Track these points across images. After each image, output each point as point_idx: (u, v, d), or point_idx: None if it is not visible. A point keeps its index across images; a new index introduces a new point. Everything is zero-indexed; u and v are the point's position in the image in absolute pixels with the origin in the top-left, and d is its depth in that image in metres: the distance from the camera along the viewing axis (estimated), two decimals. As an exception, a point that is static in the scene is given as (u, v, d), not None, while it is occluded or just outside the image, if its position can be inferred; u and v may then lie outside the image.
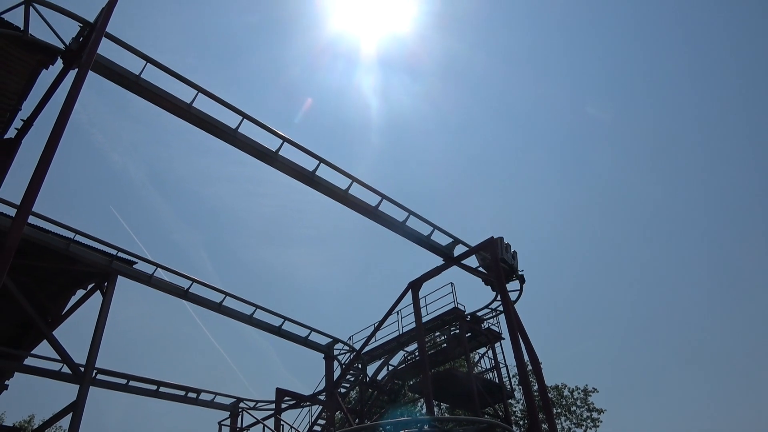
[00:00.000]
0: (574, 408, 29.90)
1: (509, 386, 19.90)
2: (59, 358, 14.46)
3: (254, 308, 19.41)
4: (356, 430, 12.32)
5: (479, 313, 20.03)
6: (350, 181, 15.07)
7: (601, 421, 29.06)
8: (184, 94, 12.41)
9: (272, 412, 20.12)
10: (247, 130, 13.32)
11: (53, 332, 15.80)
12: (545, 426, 20.89)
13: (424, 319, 18.59)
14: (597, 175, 69.84)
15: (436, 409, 19.71)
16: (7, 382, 17.42)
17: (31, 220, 13.74)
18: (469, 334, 19.47)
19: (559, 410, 29.75)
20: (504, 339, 19.91)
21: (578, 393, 30.31)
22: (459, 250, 17.62)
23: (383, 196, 15.76)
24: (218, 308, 18.78)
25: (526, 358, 15.32)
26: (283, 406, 20.57)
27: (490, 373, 19.77)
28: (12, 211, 13.21)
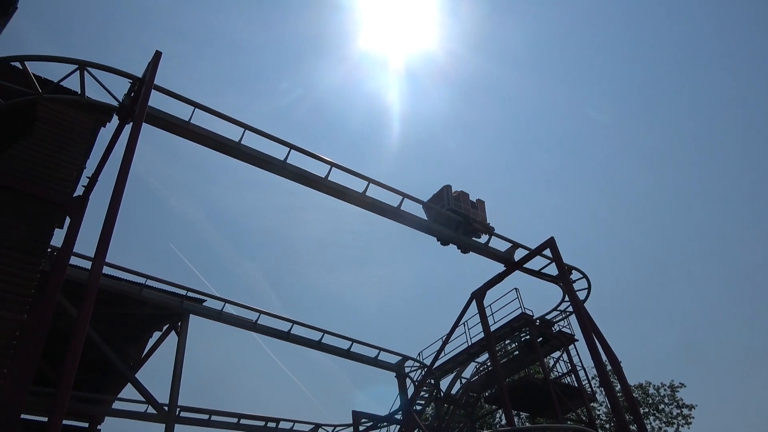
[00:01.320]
0: (662, 406, 28.40)
1: (590, 389, 19.16)
2: (144, 399, 15.05)
3: (322, 333, 19.62)
4: None
5: (548, 317, 19.47)
6: (401, 197, 15.10)
7: (693, 417, 27.44)
8: (232, 132, 12.86)
9: (351, 435, 20.14)
10: (295, 159, 13.61)
11: (136, 375, 16.53)
12: (634, 427, 19.91)
13: (492, 328, 18.23)
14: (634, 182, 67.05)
15: (515, 419, 19.21)
16: (99, 427, 18.27)
17: (105, 269, 14.48)
18: (541, 338, 18.92)
19: (646, 409, 28.32)
20: (578, 340, 19.25)
21: (665, 390, 28.79)
22: (519, 254, 17.25)
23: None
24: (287, 337, 19.10)
25: (603, 358, 14.71)
26: (361, 428, 20.56)
27: (568, 377, 19.10)
28: (87, 264, 13.99)
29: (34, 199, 8.90)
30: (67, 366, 7.17)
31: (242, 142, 12.82)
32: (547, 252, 16.53)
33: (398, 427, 20.92)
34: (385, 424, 21.28)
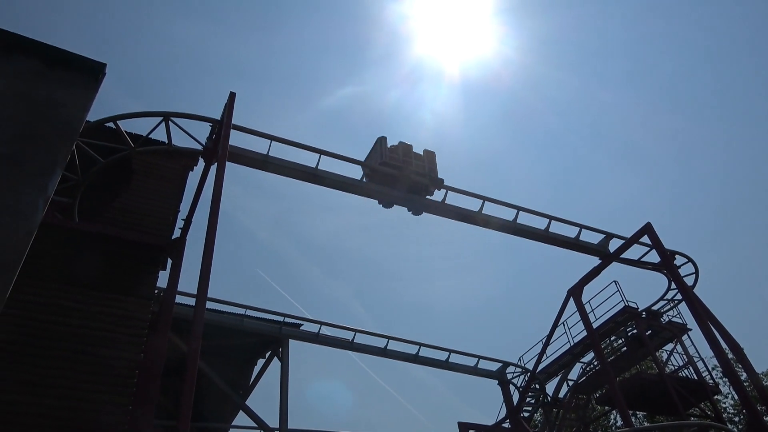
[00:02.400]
0: (799, 393, 25.72)
1: (711, 381, 17.74)
2: (256, 425, 15.64)
3: (418, 346, 19.54)
4: None
5: (655, 307, 18.29)
6: (481, 201, 14.84)
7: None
8: (308, 159, 13.22)
9: (459, 447, 19.81)
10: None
11: (246, 401, 17.23)
12: (768, 419, 18.15)
13: (594, 325, 17.38)
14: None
15: (633, 419, 18.10)
16: (218, 454, 19.16)
17: (207, 304, 15.28)
18: (650, 331, 17.81)
19: (781, 398, 25.75)
20: (691, 330, 17.92)
21: (800, 374, 26.10)
22: (613, 245, 16.38)
23: (519, 208, 15.25)
24: (383, 353, 19.19)
25: (723, 345, 13.57)
26: (469, 439, 20.18)
27: (685, 370, 17.81)
28: (190, 300, 14.83)
29: (138, 245, 9.55)
30: (184, 398, 7.57)
31: (319, 167, 13.15)
32: (645, 239, 15.59)
33: (507, 435, 20.35)
34: (493, 433, 20.78)
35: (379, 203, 14.10)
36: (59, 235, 8.94)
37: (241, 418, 19.78)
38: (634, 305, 17.87)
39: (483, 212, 14.88)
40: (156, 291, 13.02)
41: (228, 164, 12.20)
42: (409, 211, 14.32)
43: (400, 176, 13.57)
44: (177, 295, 11.24)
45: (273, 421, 15.92)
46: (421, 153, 14.48)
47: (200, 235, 9.68)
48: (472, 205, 14.90)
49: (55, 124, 7.41)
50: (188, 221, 12.16)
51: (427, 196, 14.13)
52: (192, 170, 12.23)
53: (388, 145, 14.07)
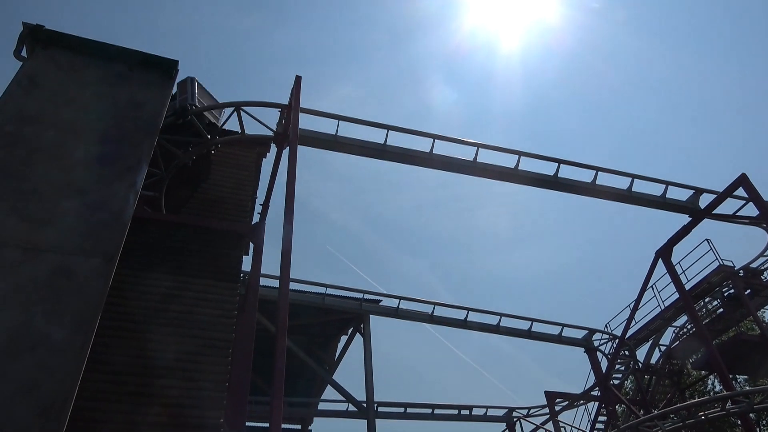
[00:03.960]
0: None
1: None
2: (344, 398, 16.16)
3: (499, 317, 19.36)
4: None
5: (753, 265, 17.04)
6: (556, 164, 14.31)
7: None
8: (376, 136, 13.24)
9: (547, 416, 19.58)
10: (440, 148, 13.59)
11: (333, 377, 17.82)
12: None
13: (686, 287, 16.47)
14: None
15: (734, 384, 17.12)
16: (310, 428, 20.00)
17: (290, 285, 15.81)
18: (749, 291, 16.65)
19: None
20: (797, 286, 16.58)
21: None
22: (705, 200, 15.34)
23: (597, 168, 14.56)
24: (464, 324, 19.16)
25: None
26: (556, 408, 19.89)
27: (792, 330, 16.54)
28: (273, 282, 15.40)
29: (222, 233, 9.98)
30: (276, 375, 7.90)
31: (387, 143, 13.14)
32: (740, 192, 14.48)
33: (596, 404, 19.86)
34: (582, 402, 20.35)
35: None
36: (150, 227, 9.49)
37: (330, 393, 20.48)
38: (730, 264, 16.74)
39: (560, 176, 14.38)
40: (241, 275, 13.67)
41: (299, 148, 12.45)
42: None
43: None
44: (261, 278, 11.69)
45: (360, 395, 16.40)
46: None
47: (277, 220, 9.97)
48: (550, 170, 14.43)
49: (138, 123, 7.82)
50: (266, 206, 12.57)
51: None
52: (265, 157, 12.57)
53: None
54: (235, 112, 11.43)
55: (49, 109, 7.19)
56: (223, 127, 11.57)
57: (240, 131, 11.60)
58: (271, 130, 12.02)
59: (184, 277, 8.98)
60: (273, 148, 12.36)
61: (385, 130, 13.03)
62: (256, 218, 12.63)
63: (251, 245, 10.87)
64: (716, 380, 25.25)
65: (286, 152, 11.47)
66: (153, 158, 9.17)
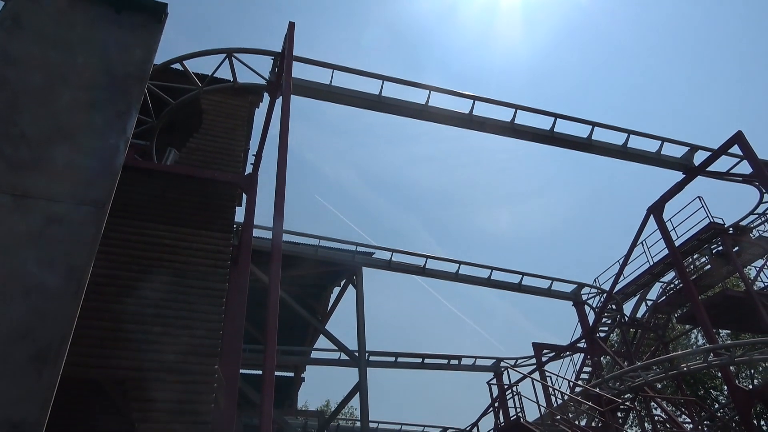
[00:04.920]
0: None
1: (806, 297, 16.77)
2: (336, 348, 16.49)
3: (490, 270, 19.60)
4: None
5: (743, 223, 17.22)
6: (553, 118, 14.17)
7: None
8: (371, 86, 13.00)
9: (534, 366, 20.15)
10: (437, 100, 13.39)
11: (325, 327, 18.13)
12: None
13: (676, 243, 16.66)
14: None
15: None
16: (303, 375, 20.50)
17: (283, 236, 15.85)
18: (737, 248, 16.88)
19: None
20: (784, 244, 16.82)
21: None
22: (699, 158, 15.32)
23: (594, 124, 14.45)
24: (455, 277, 19.40)
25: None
26: (543, 359, 20.45)
27: (776, 287, 16.91)
28: (266, 233, 15.43)
29: (215, 183, 9.89)
30: (269, 324, 8.01)
31: (383, 94, 12.92)
32: (735, 150, 14.48)
33: (582, 356, 20.41)
34: (568, 353, 20.91)
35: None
36: (141, 176, 9.39)
37: (322, 342, 20.91)
38: (720, 221, 16.92)
39: (556, 130, 14.27)
40: (234, 226, 13.66)
41: (292, 100, 12.21)
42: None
43: None
44: (254, 229, 11.68)
45: (352, 345, 16.74)
46: None
47: (270, 171, 9.88)
48: (546, 124, 14.31)
49: (127, 68, 7.58)
50: (258, 157, 12.42)
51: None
52: (258, 107, 12.33)
53: None
54: (227, 59, 11.13)
55: (35, 52, 6.95)
56: (215, 76, 11.29)
57: (232, 80, 11.33)
58: (264, 78, 11.74)
59: (176, 227, 8.96)
60: (266, 98, 12.12)
61: (381, 81, 12.79)
62: (248, 169, 12.52)
63: (244, 196, 10.81)
64: (699, 334, 25.97)
65: (279, 102, 11.26)
66: (143, 106, 8.99)
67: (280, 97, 11.13)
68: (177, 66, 10.87)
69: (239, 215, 11.09)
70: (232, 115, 11.56)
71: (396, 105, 13.10)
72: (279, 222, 9.03)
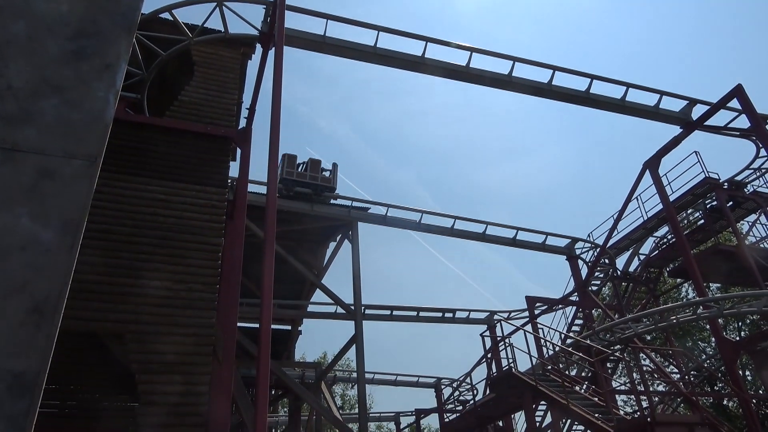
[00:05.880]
0: None
1: (797, 251, 16.99)
2: (332, 301, 16.72)
3: (485, 225, 19.70)
4: None
5: (739, 177, 17.26)
6: (551, 71, 13.94)
7: None
8: (366, 38, 12.70)
9: (527, 319, 20.53)
10: (433, 52, 13.11)
11: (322, 281, 18.31)
12: None
13: (671, 198, 16.72)
14: None
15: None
16: (300, 329, 20.85)
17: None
18: (731, 203, 16.96)
19: None
20: (780, 199, 16.92)
21: None
22: (697, 112, 15.20)
23: (592, 77, 14.24)
24: (450, 232, 19.51)
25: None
26: (536, 312, 20.82)
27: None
28: (261, 188, 15.37)
29: (208, 137, 9.76)
30: (265, 279, 8.06)
31: (378, 45, 12.63)
32: (733, 104, 14.35)
33: (574, 309, 20.79)
34: (560, 306, 21.28)
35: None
36: (133, 130, 9.24)
37: (319, 296, 21.16)
38: (716, 176, 16.93)
39: (554, 84, 14.05)
40: (229, 181, 13.57)
41: (285, 52, 11.91)
42: None
43: None
44: (248, 183, 11.61)
45: (348, 299, 16.95)
46: None
47: (263, 125, 9.74)
48: (544, 77, 14.07)
49: (114, 18, 7.33)
50: (252, 111, 12.20)
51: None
52: (250, 59, 12.04)
53: None
54: (218, 8, 10.79)
55: None
56: (206, 26, 10.97)
57: (223, 30, 11.02)
58: (257, 29, 11.42)
59: (170, 182, 8.89)
60: (258, 50, 11.82)
61: (376, 32, 12.47)
62: (242, 123, 12.33)
63: (238, 150, 10.69)
64: (690, 288, 26.43)
65: (272, 54, 10.98)
66: (133, 57, 8.75)
67: (273, 48, 10.85)
68: (166, 16, 10.55)
69: (233, 170, 11.00)
70: (224, 68, 11.29)
71: (391, 57, 12.83)
72: (273, 175, 8.96)
